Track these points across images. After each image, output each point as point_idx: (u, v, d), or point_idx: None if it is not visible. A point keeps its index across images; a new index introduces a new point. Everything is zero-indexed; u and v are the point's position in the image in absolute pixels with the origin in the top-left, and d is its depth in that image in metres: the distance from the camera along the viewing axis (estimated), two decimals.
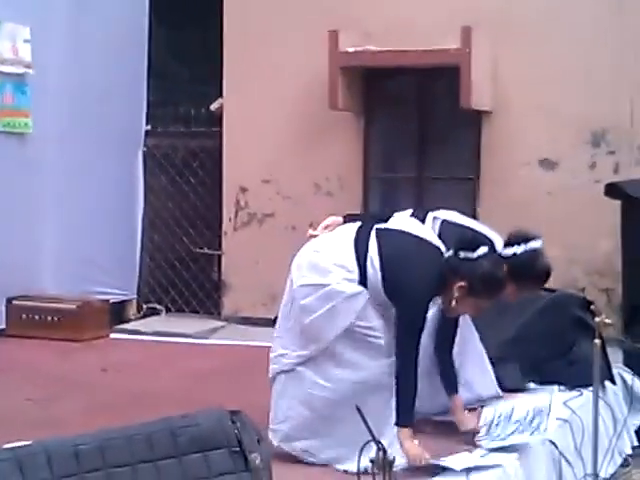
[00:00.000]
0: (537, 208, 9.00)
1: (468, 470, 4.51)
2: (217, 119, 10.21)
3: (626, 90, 8.84)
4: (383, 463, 2.99)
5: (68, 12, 8.79)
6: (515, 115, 9.21)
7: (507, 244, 5.27)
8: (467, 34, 8.80)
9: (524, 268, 5.20)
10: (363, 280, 4.67)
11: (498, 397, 5.67)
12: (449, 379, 5.37)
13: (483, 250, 4.71)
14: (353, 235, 4.79)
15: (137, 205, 9.94)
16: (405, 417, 4.60)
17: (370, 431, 3.04)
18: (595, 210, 8.65)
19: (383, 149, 10.03)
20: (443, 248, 4.81)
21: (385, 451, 3.00)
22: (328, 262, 4.71)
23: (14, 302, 8.29)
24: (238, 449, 3.21)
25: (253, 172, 10.01)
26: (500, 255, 5.13)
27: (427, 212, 5.53)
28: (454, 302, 4.70)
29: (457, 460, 4.63)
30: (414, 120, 9.84)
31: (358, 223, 4.95)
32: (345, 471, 4.34)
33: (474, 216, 9.39)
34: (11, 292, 8.25)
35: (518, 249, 5.24)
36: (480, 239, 4.93)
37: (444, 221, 5.45)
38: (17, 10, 8.22)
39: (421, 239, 4.87)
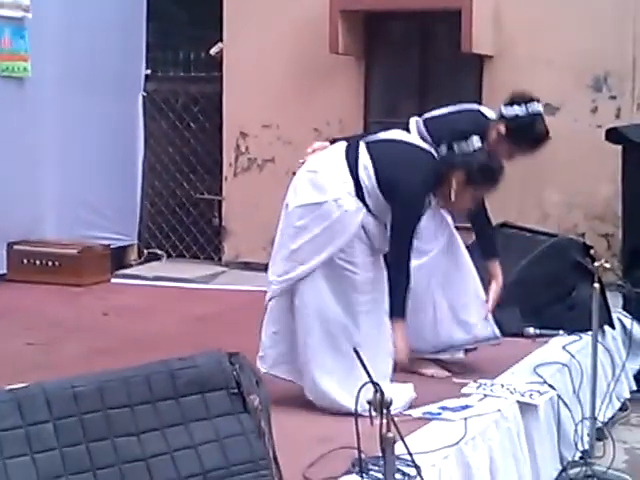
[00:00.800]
0: (538, 153, 8.97)
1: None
2: (217, 64, 10.17)
3: (629, 35, 8.80)
4: (380, 405, 2.99)
5: None
6: (516, 59, 9.16)
7: (508, 103, 5.38)
8: None
9: (523, 130, 5.33)
10: (359, 191, 4.66)
11: (496, 338, 5.66)
12: (486, 246, 5.59)
13: (476, 140, 4.77)
14: (343, 150, 4.79)
15: (137, 150, 9.91)
16: (398, 310, 4.73)
17: (367, 373, 3.04)
18: (596, 155, 8.64)
19: (384, 93, 10.00)
20: (434, 152, 4.84)
21: (383, 393, 3.00)
22: (323, 178, 4.69)
23: (15, 247, 8.29)
24: (236, 391, 3.21)
25: (253, 117, 9.98)
26: (501, 114, 5.32)
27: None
28: (453, 194, 4.72)
29: (454, 405, 4.67)
30: (415, 64, 9.80)
31: (345, 142, 4.95)
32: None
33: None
34: (12, 237, 8.25)
35: (520, 110, 5.36)
36: (470, 130, 4.90)
37: (426, 119, 5.44)
38: None
39: (411, 143, 4.92)
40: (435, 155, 4.83)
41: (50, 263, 8.23)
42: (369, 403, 3.03)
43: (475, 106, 5.77)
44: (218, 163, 10.26)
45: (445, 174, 4.73)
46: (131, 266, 9.78)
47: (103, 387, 3.05)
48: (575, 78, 8.94)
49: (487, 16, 9.04)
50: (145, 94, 9.97)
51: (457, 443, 4.17)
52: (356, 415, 3.19)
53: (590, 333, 5.46)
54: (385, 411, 3.02)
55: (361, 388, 3.08)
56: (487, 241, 5.69)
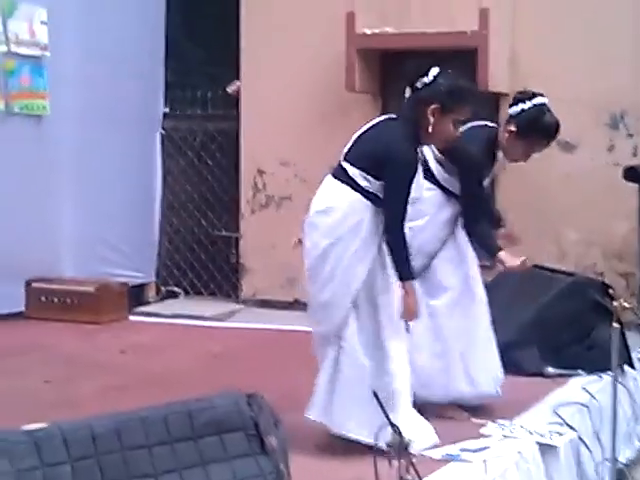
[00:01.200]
0: (555, 191, 8.98)
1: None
2: (234, 102, 10.20)
3: None
4: (399, 447, 2.97)
5: None
6: None
7: (513, 103, 5.52)
8: (485, 16, 8.76)
9: (532, 123, 5.41)
10: (358, 188, 4.72)
11: (498, 396, 5.55)
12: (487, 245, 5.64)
13: (434, 70, 4.80)
14: (331, 179, 4.89)
15: (156, 188, 9.92)
16: (404, 272, 4.72)
17: (386, 415, 3.03)
18: (613, 193, 8.61)
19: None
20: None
21: (401, 434, 2.98)
22: (324, 204, 4.79)
23: (33, 285, 8.30)
24: (254, 432, 3.20)
25: (271, 155, 9.99)
26: (510, 114, 5.46)
27: None
28: (430, 128, 4.75)
29: (474, 447, 4.63)
30: None
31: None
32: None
33: (493, 198, 9.39)
34: (30, 274, 8.26)
35: (525, 105, 5.46)
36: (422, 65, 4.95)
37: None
38: None
39: (377, 124, 4.99)
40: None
41: (68, 301, 8.24)
42: (389, 445, 3.01)
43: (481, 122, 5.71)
44: (235, 200, 10.26)
45: (419, 114, 4.75)
46: (149, 303, 9.77)
47: (121, 428, 3.04)
48: (592, 116, 8.92)
49: (503, 55, 9.05)
50: (163, 132, 10.00)
51: None
52: (375, 457, 3.17)
53: (610, 373, 5.41)
54: (404, 453, 3.00)
55: (379, 430, 3.07)
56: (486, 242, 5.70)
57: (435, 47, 9.03)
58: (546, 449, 4.87)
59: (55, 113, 8.42)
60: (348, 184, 4.76)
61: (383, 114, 9.66)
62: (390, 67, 9.67)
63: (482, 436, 4.91)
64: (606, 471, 5.27)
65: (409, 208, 4.78)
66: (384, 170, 4.70)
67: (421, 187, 5.00)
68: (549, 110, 5.55)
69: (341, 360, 4.67)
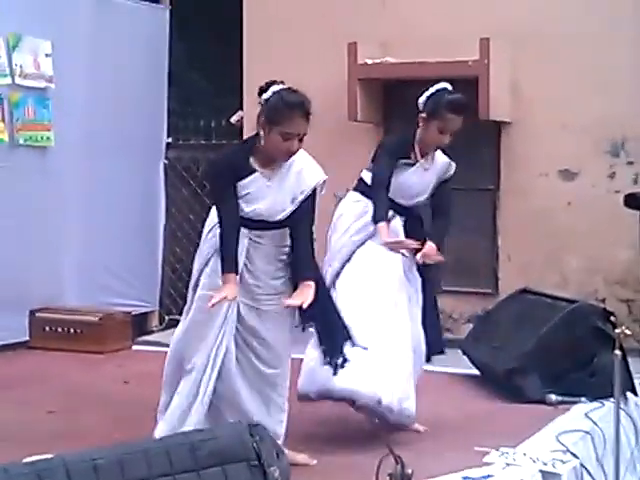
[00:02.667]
0: (557, 218, 8.98)
1: None
2: (237, 131, 10.22)
3: None
4: (401, 477, 2.97)
5: (88, 26, 8.80)
6: (534, 126, 9.17)
7: (418, 98, 5.95)
8: (485, 46, 8.78)
9: (437, 102, 5.80)
10: None
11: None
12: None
13: (276, 87, 4.89)
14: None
15: (159, 217, 9.94)
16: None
17: (388, 444, 3.02)
18: (615, 220, 8.61)
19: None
20: None
21: (403, 465, 2.97)
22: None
23: (37, 314, 8.30)
24: (257, 463, 3.19)
25: None
26: (418, 108, 5.87)
27: None
28: (262, 141, 4.86)
29: (477, 475, 4.61)
30: None
31: None
32: None
33: (494, 226, 9.39)
34: (34, 304, 8.26)
35: (428, 93, 5.94)
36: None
37: None
38: (38, 24, 8.24)
39: None
40: None
41: (72, 330, 8.24)
42: (390, 475, 3.01)
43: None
44: None
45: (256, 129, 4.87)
46: (152, 332, 9.76)
47: (123, 460, 3.04)
48: (592, 144, 8.93)
49: (504, 83, 9.06)
50: (166, 162, 10.03)
51: None
52: None
53: (612, 400, 5.40)
54: None
55: (381, 460, 3.06)
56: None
57: (436, 76, 8.99)
58: (549, 477, 4.85)
59: (60, 144, 8.44)
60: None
61: None
62: (392, 96, 9.68)
63: (485, 464, 4.88)
64: None
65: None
66: None
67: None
68: (452, 91, 5.92)
69: None
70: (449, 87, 5.93)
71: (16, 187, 8.07)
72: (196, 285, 4.94)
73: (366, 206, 5.84)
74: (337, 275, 5.73)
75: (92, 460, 3.00)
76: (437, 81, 9.09)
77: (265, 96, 4.88)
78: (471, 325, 8.30)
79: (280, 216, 4.90)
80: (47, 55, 8.33)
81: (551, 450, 5.13)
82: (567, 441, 5.27)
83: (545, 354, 6.37)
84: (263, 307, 4.89)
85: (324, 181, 5.05)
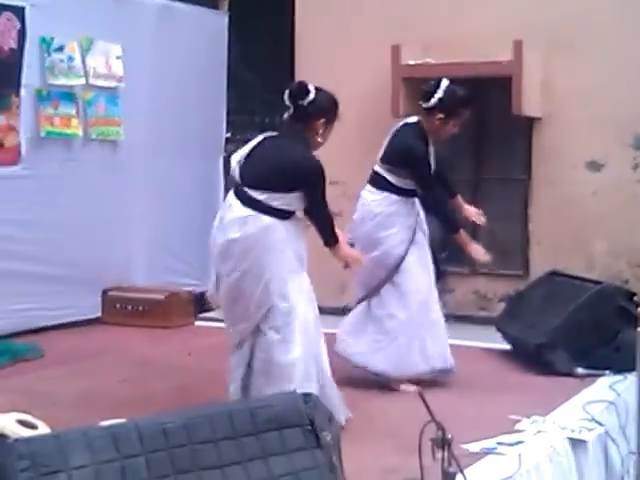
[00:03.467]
0: (584, 207, 8.93)
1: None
2: None
3: None
4: (442, 441, 2.98)
5: (154, 30, 8.85)
6: (563, 121, 9.12)
7: (427, 98, 5.99)
8: (519, 47, 8.76)
9: (452, 102, 5.89)
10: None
11: (450, 371, 6.03)
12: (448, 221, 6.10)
13: (313, 88, 5.11)
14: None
15: (218, 205, 9.95)
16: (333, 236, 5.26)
17: (430, 412, 3.03)
18: (637, 208, 8.57)
19: (441, 153, 9.98)
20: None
21: (444, 431, 2.99)
22: None
23: (109, 293, 8.39)
24: (310, 428, 3.21)
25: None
26: (429, 107, 5.94)
27: None
28: (320, 138, 5.11)
29: (509, 441, 4.62)
30: (470, 126, 9.74)
31: None
32: None
33: (526, 213, 9.36)
34: (106, 284, 8.34)
35: (438, 94, 5.93)
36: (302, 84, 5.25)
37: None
38: (109, 29, 8.30)
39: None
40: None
41: (140, 308, 8.30)
42: (432, 440, 3.02)
43: (407, 120, 6.29)
44: None
45: (308, 127, 5.05)
46: (212, 310, 9.81)
47: (190, 423, 3.06)
48: (617, 138, 8.86)
49: (536, 81, 9.02)
50: (225, 155, 10.07)
51: (512, 476, 4.13)
52: (420, 450, 3.18)
53: (635, 373, 5.37)
54: (447, 447, 3.01)
55: (424, 427, 3.07)
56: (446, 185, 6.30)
57: (473, 76, 9.01)
58: (576, 443, 4.85)
59: (128, 139, 8.51)
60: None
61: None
62: None
63: (517, 431, 4.89)
64: (631, 463, 5.23)
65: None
66: (298, 182, 4.94)
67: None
68: (456, 87, 6.01)
69: None
70: (448, 82, 6.02)
71: (90, 177, 8.15)
72: None
73: (403, 202, 6.04)
74: (397, 268, 5.95)
75: (162, 424, 3.03)
76: (474, 80, 9.13)
77: (311, 97, 5.05)
78: (504, 304, 8.28)
79: None
80: (117, 57, 8.39)
81: (578, 419, 5.12)
82: (593, 410, 5.26)
83: (573, 331, 6.35)
84: None
85: None
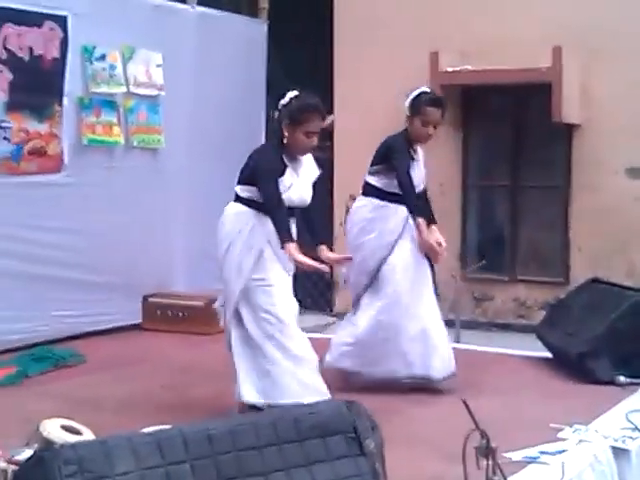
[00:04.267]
0: (624, 213, 8.88)
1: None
2: (328, 134, 10.25)
3: None
4: (487, 450, 2.96)
5: (194, 39, 8.88)
6: (603, 127, 9.08)
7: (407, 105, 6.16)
8: (558, 53, 8.73)
9: (417, 100, 6.09)
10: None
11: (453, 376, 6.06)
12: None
13: (292, 93, 5.24)
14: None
15: None
16: (286, 235, 5.15)
17: (474, 421, 3.01)
18: None
19: (480, 159, 9.97)
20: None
21: (488, 439, 2.97)
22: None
23: (149, 299, 8.41)
24: (354, 435, 3.20)
25: (360, 181, 9.97)
26: (407, 115, 6.10)
27: None
28: (285, 140, 5.22)
29: (552, 449, 4.58)
30: (509, 132, 9.76)
31: None
32: None
33: (566, 220, 9.30)
34: (147, 290, 8.37)
35: (411, 96, 6.13)
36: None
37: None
38: (150, 38, 8.33)
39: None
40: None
41: (180, 314, 8.32)
42: (476, 449, 3.00)
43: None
44: (330, 223, 10.31)
45: (279, 131, 5.22)
46: None
47: (234, 430, 3.06)
48: None
49: (575, 88, 8.98)
50: None
51: None
52: (464, 458, 3.16)
53: None
54: (491, 456, 2.98)
55: (468, 435, 3.05)
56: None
57: (512, 82, 9.01)
58: (619, 452, 4.79)
59: (168, 146, 8.54)
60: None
61: (465, 145, 9.78)
62: (470, 101, 9.65)
63: (559, 440, 4.85)
64: None
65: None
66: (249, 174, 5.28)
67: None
68: (429, 92, 6.25)
69: None
70: (427, 90, 6.26)
71: (131, 184, 8.19)
72: None
73: (386, 208, 6.13)
74: (377, 272, 6.08)
75: (206, 430, 3.03)
76: (513, 86, 9.12)
77: (284, 101, 5.23)
78: (544, 312, 8.24)
79: (308, 201, 5.39)
80: (158, 66, 8.42)
81: (621, 427, 5.06)
82: (636, 419, 5.20)
83: (614, 339, 6.29)
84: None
85: None
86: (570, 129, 9.24)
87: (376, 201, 6.16)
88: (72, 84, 7.62)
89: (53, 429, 3.78)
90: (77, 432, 3.85)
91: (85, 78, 7.74)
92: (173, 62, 8.54)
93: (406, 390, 6.01)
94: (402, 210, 6.08)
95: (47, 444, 3.59)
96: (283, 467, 3.08)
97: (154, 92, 8.40)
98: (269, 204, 5.17)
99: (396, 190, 6.06)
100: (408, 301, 6.04)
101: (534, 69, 8.79)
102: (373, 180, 6.23)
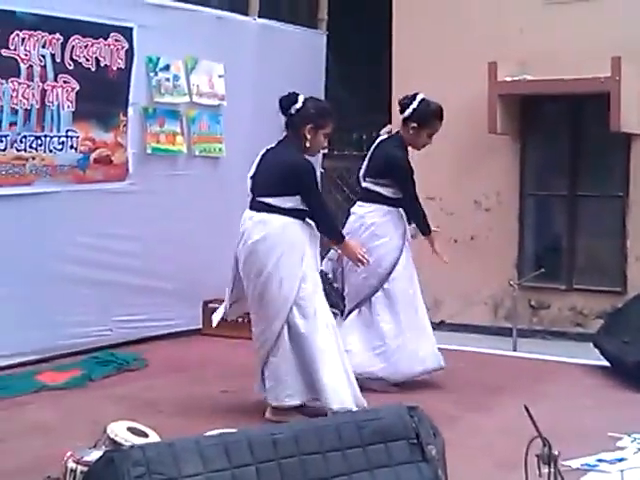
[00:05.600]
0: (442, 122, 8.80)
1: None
2: None
3: None
4: (549, 457, 2.94)
5: (255, 50, 8.93)
6: None
7: (403, 109, 6.38)
8: (617, 63, 8.65)
9: (425, 113, 6.29)
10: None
11: (440, 368, 6.29)
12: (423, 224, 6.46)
13: (302, 98, 5.45)
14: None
15: None
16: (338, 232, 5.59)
17: (536, 428, 3.00)
18: None
19: (537, 169, 9.91)
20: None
21: (550, 447, 2.95)
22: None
23: (209, 305, 8.44)
24: (416, 441, 3.21)
25: (419, 190, 9.98)
26: (404, 118, 6.31)
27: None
28: (308, 142, 5.42)
29: (610, 458, 4.53)
30: (566, 142, 9.69)
31: None
32: None
33: (624, 229, 9.21)
34: (207, 296, 8.41)
35: (413, 105, 6.32)
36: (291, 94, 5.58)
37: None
38: (213, 49, 8.40)
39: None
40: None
41: (239, 319, 8.32)
42: (537, 456, 2.99)
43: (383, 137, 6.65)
44: None
45: (297, 133, 5.41)
46: None
47: (298, 435, 3.08)
48: None
49: (634, 98, 8.89)
50: (322, 170, 10.09)
51: None
52: (526, 465, 3.14)
53: None
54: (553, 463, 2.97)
55: (530, 442, 3.04)
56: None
57: (570, 92, 8.94)
58: None
59: (229, 155, 8.58)
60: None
61: (522, 154, 9.72)
62: (529, 111, 9.60)
63: (618, 448, 4.80)
64: None
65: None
66: (293, 184, 5.31)
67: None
68: (430, 101, 6.37)
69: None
70: (424, 96, 6.39)
71: (193, 193, 8.25)
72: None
73: (394, 212, 6.36)
74: (389, 274, 6.29)
75: (271, 434, 3.05)
76: (571, 96, 9.05)
77: (298, 105, 5.43)
78: (601, 321, 8.15)
79: None
80: (220, 76, 8.49)
81: None
82: None
83: None
84: None
85: None
86: (628, 138, 9.14)
87: (385, 207, 6.37)
88: (137, 94, 7.70)
89: (120, 431, 3.82)
90: (143, 434, 3.89)
91: (150, 88, 7.83)
92: (234, 73, 8.60)
93: (464, 396, 5.99)
94: (404, 214, 6.41)
95: (114, 446, 3.63)
96: (346, 472, 3.09)
97: (216, 102, 8.46)
98: (324, 210, 5.50)
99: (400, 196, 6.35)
100: (413, 299, 6.35)
101: (593, 79, 8.71)
102: (380, 189, 6.39)
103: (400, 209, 6.38)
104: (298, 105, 5.46)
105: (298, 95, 5.52)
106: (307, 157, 5.46)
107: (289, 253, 5.31)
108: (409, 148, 6.46)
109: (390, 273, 6.28)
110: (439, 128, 6.37)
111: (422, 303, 6.42)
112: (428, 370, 6.30)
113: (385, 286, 6.28)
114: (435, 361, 6.30)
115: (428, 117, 6.30)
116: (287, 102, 5.51)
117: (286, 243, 5.31)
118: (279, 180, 5.35)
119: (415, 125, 6.30)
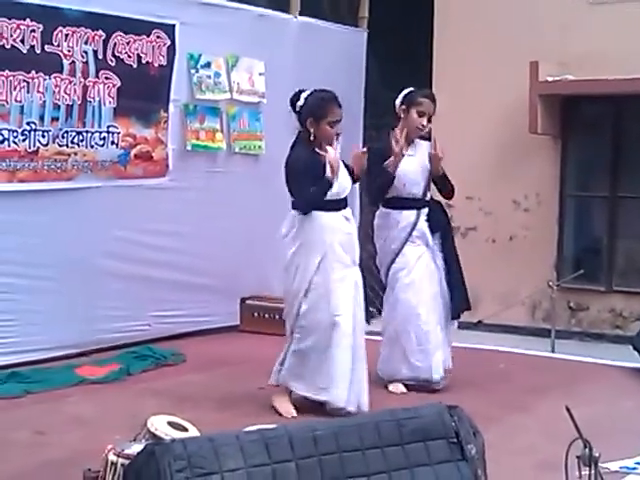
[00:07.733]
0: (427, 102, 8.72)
1: None
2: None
3: None
4: (589, 460, 2.93)
5: (295, 48, 8.94)
6: None
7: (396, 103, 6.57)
8: None
9: (407, 98, 6.48)
10: None
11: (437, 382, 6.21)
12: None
13: (305, 93, 5.60)
14: None
15: (354, 216, 10.00)
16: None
17: (578, 429, 2.98)
18: None
19: (578, 170, 9.85)
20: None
21: (591, 448, 2.94)
22: None
23: (247, 302, 8.49)
24: (455, 440, 3.21)
25: (458, 189, 9.93)
26: (404, 106, 6.43)
27: None
28: (313, 137, 5.57)
29: None
30: (608, 143, 9.62)
31: None
32: None
33: None
34: (245, 293, 8.45)
35: (400, 98, 6.54)
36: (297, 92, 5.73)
37: None
38: (254, 47, 8.42)
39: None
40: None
41: (276, 316, 8.35)
42: (578, 458, 2.97)
43: None
44: None
45: (305, 129, 5.55)
46: None
47: (338, 432, 3.08)
48: None
49: None
50: None
51: None
52: (566, 467, 3.13)
53: None
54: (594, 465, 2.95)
55: (571, 443, 3.02)
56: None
57: (612, 92, 8.88)
58: None
59: (269, 153, 8.59)
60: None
61: (563, 155, 9.66)
62: (570, 111, 9.54)
63: None
64: None
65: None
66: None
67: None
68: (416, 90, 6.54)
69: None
70: (412, 89, 6.53)
71: (232, 190, 8.28)
72: None
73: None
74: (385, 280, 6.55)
75: (312, 431, 3.06)
76: (613, 96, 8.99)
77: (300, 103, 5.57)
78: None
79: (349, 188, 5.77)
80: (260, 74, 8.51)
81: None
82: None
83: None
84: None
85: None
86: None
87: (382, 209, 6.58)
88: (178, 91, 7.74)
89: (160, 425, 3.84)
90: (183, 428, 3.91)
91: (191, 85, 7.87)
92: (275, 70, 8.61)
93: (504, 397, 5.98)
94: (406, 216, 6.44)
95: (155, 439, 3.66)
96: (385, 469, 3.10)
97: (256, 99, 8.49)
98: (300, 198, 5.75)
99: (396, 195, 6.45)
100: (416, 307, 6.35)
101: (634, 79, 8.65)
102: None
103: (402, 210, 6.49)
104: (301, 102, 5.62)
105: (302, 92, 5.67)
106: (316, 150, 5.56)
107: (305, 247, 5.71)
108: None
109: (385, 278, 6.57)
110: (428, 107, 6.48)
111: (433, 312, 6.38)
112: (420, 379, 6.26)
113: (393, 286, 6.52)
114: (428, 373, 6.25)
115: (413, 97, 6.47)
116: (293, 100, 5.68)
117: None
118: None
119: (404, 107, 6.49)
